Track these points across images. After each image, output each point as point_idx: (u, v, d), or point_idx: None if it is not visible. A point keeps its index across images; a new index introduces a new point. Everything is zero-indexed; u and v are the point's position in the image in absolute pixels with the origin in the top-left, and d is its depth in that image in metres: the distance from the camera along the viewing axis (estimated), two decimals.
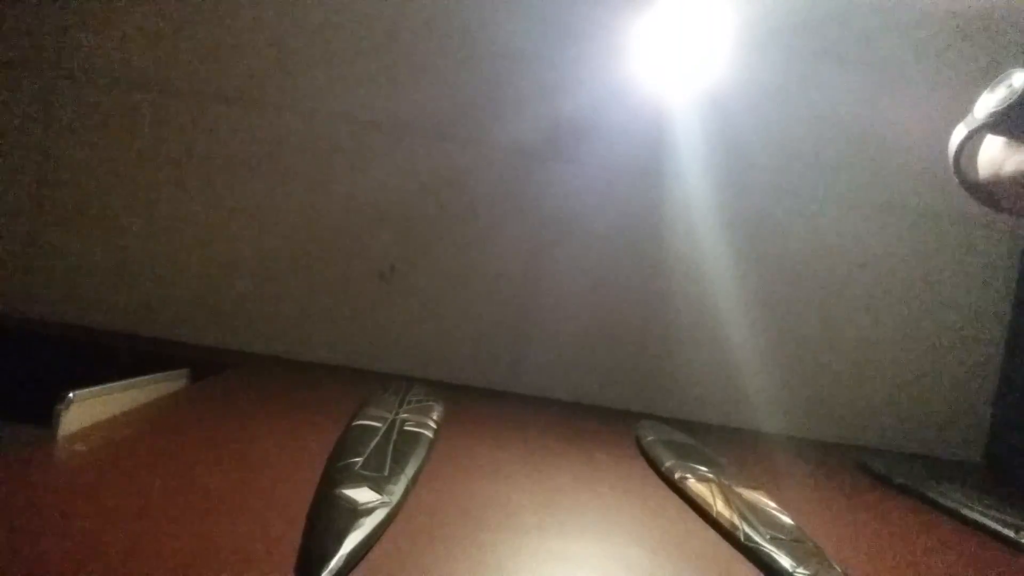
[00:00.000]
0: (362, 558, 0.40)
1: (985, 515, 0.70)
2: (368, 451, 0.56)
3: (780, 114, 1.03)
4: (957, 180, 0.59)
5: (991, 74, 1.02)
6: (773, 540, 0.51)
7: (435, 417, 0.72)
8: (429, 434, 0.65)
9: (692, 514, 0.59)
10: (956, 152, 0.57)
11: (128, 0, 0.99)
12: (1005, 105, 0.52)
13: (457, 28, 1.01)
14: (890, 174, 1.04)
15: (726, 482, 0.64)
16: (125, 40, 0.99)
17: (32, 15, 0.98)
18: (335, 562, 0.37)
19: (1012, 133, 0.54)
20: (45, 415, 0.54)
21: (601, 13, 1.00)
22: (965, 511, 0.71)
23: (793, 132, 1.04)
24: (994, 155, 0.56)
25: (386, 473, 0.52)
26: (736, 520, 0.54)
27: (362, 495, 0.46)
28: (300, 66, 1.00)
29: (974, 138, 0.56)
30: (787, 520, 0.56)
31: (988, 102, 0.54)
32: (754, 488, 0.63)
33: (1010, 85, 0.53)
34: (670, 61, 0.99)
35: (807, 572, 0.46)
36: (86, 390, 0.57)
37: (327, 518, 0.43)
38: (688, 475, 0.65)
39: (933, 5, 1.00)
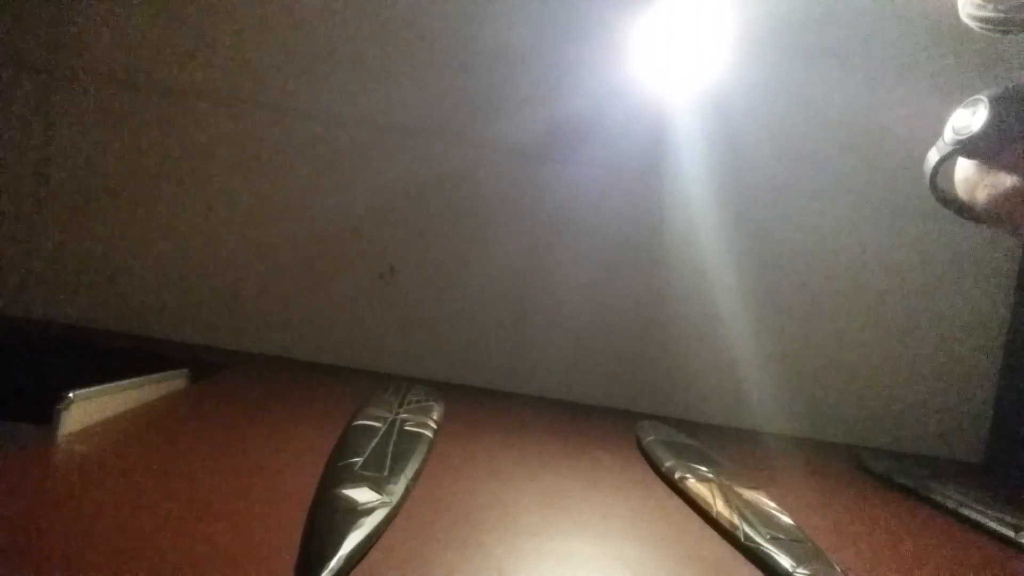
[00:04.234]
0: (362, 558, 0.40)
1: (984, 515, 0.70)
2: (368, 451, 0.56)
3: (780, 114, 1.03)
4: (936, 200, 0.60)
5: (989, 72, 1.02)
6: (773, 540, 0.51)
7: (435, 417, 0.72)
8: (429, 434, 0.65)
9: (692, 514, 0.59)
10: (931, 174, 0.58)
11: (128, 0, 0.99)
12: (967, 135, 0.53)
13: (457, 28, 1.01)
14: (890, 174, 1.04)
15: (726, 482, 0.64)
16: (125, 40, 0.99)
17: (32, 15, 0.98)
18: (335, 562, 0.37)
19: (981, 156, 0.55)
20: (45, 415, 0.54)
21: (601, 13, 1.00)
22: (965, 511, 0.71)
23: (793, 132, 1.04)
24: (968, 176, 0.57)
25: (386, 473, 0.52)
26: (736, 520, 0.54)
27: (362, 495, 0.46)
28: (300, 67, 1.00)
29: (947, 161, 0.57)
30: (787, 520, 0.56)
31: (956, 124, 0.55)
32: (754, 488, 0.63)
33: (975, 112, 0.53)
34: (670, 61, 0.98)
35: (807, 572, 0.46)
36: (86, 390, 0.57)
37: (327, 518, 0.43)
38: (688, 475, 0.65)
39: (931, 4, 1.00)
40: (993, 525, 0.68)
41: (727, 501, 0.58)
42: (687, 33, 0.97)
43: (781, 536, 0.52)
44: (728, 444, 0.91)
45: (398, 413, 0.70)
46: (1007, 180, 0.53)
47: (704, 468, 0.68)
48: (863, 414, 1.07)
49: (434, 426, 0.69)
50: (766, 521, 0.55)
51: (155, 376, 0.72)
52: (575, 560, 0.47)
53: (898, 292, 1.06)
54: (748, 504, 0.58)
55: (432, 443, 0.64)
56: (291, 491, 0.49)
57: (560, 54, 1.01)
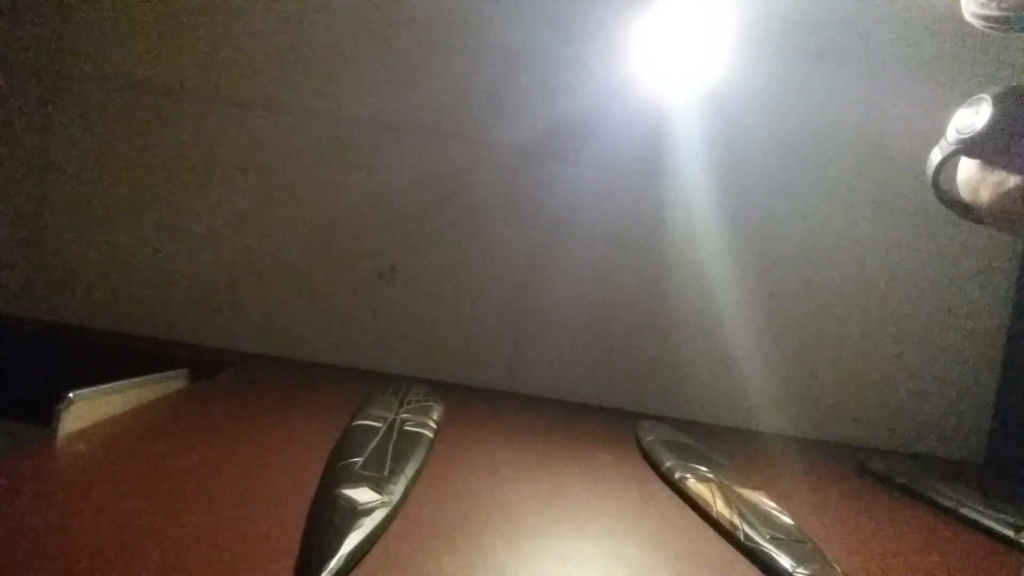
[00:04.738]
0: (362, 558, 0.40)
1: (985, 515, 0.70)
2: (368, 451, 0.56)
3: (780, 114, 1.03)
4: (938, 201, 0.60)
5: (989, 73, 1.02)
6: (773, 540, 0.51)
7: (435, 417, 0.72)
8: (429, 434, 0.65)
9: (692, 514, 0.59)
10: (934, 175, 0.58)
11: (128, 1, 0.99)
12: (969, 134, 0.53)
13: (457, 28, 1.01)
14: (890, 174, 1.04)
15: (726, 482, 0.64)
16: (125, 41, 0.99)
17: (32, 16, 0.98)
18: (335, 562, 0.37)
19: (984, 156, 0.55)
20: (45, 415, 0.54)
21: (601, 13, 1.00)
22: (965, 511, 0.71)
23: (793, 132, 1.04)
24: (971, 176, 0.57)
25: (386, 473, 0.52)
26: (736, 520, 0.54)
27: (362, 495, 0.46)
28: (300, 67, 1.00)
29: (950, 161, 0.57)
30: (787, 520, 0.56)
31: (959, 123, 0.55)
32: (754, 488, 0.63)
33: (977, 112, 0.53)
34: (670, 61, 0.98)
35: (807, 572, 0.46)
36: (86, 390, 0.57)
37: (327, 518, 0.43)
38: (688, 475, 0.65)
39: (931, 5, 1.00)
40: (993, 525, 0.68)
41: (727, 501, 0.58)
42: (687, 33, 0.97)
43: (781, 536, 0.52)
44: (728, 444, 0.91)
45: (398, 413, 0.70)
46: (1010, 180, 0.53)
47: (704, 468, 0.68)
48: (863, 414, 1.07)
49: (434, 426, 0.69)
50: (766, 521, 0.54)
51: (155, 376, 0.72)
52: (575, 560, 0.47)
53: (898, 292, 1.06)
54: (748, 504, 0.58)
55: (432, 443, 0.64)
56: (291, 491, 0.49)
57: (560, 54, 1.01)
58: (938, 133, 0.58)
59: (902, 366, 1.07)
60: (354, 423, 0.64)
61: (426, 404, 0.76)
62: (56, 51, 0.99)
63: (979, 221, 0.59)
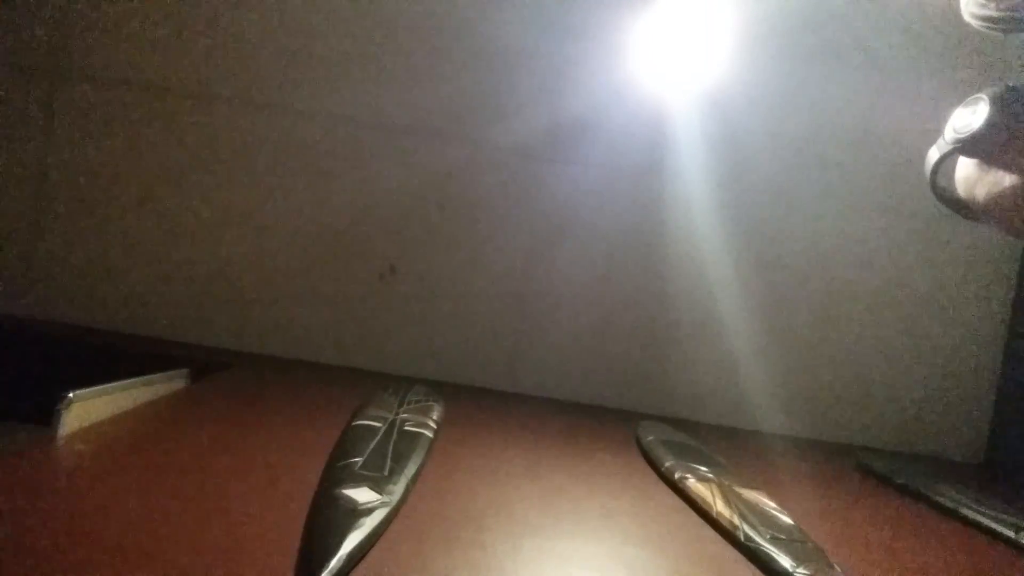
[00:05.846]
0: (362, 558, 0.40)
1: (985, 515, 0.70)
2: (368, 451, 0.56)
3: (780, 114, 1.03)
4: (937, 199, 0.60)
5: (990, 73, 1.02)
6: (773, 540, 0.51)
7: (435, 417, 0.72)
8: (429, 434, 0.65)
9: (692, 514, 0.59)
10: (932, 173, 0.58)
11: (129, 1, 0.99)
12: (967, 134, 0.53)
13: (457, 28, 1.01)
14: (890, 174, 1.04)
15: (726, 482, 0.64)
16: (126, 40, 0.99)
17: (33, 16, 0.98)
18: (335, 562, 0.37)
19: (981, 155, 0.55)
20: (45, 415, 0.54)
21: (601, 13, 1.00)
22: (965, 511, 0.71)
23: (793, 132, 1.04)
24: (968, 175, 0.57)
25: (386, 473, 0.52)
26: (736, 520, 0.54)
27: (362, 495, 0.46)
28: (300, 66, 1.00)
29: (947, 160, 0.57)
30: (787, 520, 0.56)
31: (957, 123, 0.55)
32: (754, 488, 0.63)
33: (975, 111, 0.53)
34: (670, 61, 0.99)
35: (807, 572, 0.46)
36: (86, 390, 0.57)
37: (327, 518, 0.43)
38: (688, 475, 0.65)
39: (932, 4, 1.00)
40: (993, 525, 0.68)
41: (727, 501, 0.58)
42: (687, 33, 0.97)
43: (781, 536, 0.52)
44: (728, 444, 0.91)
45: (398, 413, 0.70)
46: (1006, 179, 0.53)
47: (704, 468, 0.68)
48: (863, 414, 1.07)
49: (434, 426, 0.69)
50: (766, 521, 0.55)
51: (155, 376, 0.72)
52: (575, 560, 0.47)
53: (898, 292, 1.06)
54: (748, 504, 0.58)
55: (432, 443, 0.64)
56: (291, 491, 0.49)
57: (560, 54, 1.01)
58: (938, 133, 0.58)
59: (902, 366, 1.07)
60: (354, 423, 0.64)
61: (426, 404, 0.76)
62: (56, 51, 0.99)
63: (977, 220, 0.60)
